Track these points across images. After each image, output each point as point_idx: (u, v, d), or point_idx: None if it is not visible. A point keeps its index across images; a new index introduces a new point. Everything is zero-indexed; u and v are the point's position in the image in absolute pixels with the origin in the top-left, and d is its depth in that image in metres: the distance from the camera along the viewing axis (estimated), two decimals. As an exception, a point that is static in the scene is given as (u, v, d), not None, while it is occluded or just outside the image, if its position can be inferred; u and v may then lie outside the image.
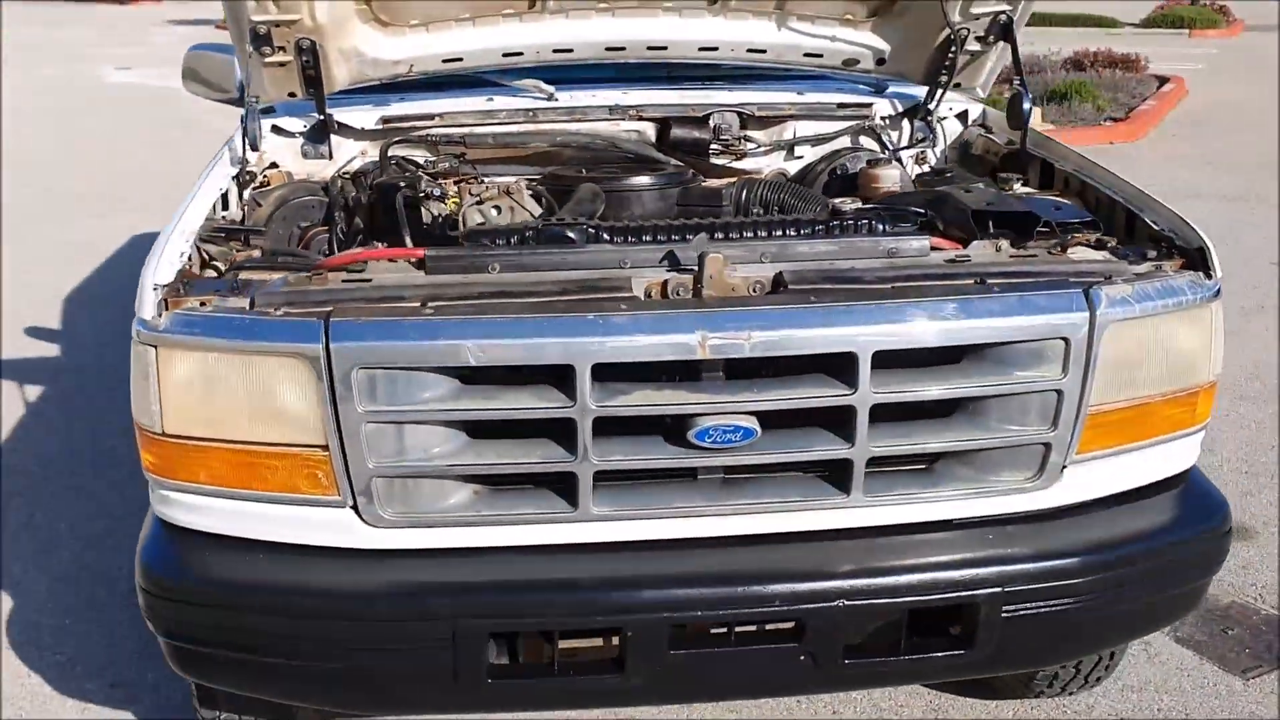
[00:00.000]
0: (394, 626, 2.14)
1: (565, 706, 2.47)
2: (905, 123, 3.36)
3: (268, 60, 2.92)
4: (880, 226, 2.46)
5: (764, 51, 3.21)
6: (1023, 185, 2.98)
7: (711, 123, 3.23)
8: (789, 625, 2.17)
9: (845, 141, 3.34)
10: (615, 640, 2.15)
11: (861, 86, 3.42)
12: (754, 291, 2.22)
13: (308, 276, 2.25)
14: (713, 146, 3.23)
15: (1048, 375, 2.20)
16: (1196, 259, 2.36)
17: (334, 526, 2.15)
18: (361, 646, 2.15)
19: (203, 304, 2.16)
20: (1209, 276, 2.34)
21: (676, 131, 3.23)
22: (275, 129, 3.16)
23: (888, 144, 3.31)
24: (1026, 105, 3.04)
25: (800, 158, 3.35)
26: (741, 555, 2.19)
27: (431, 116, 3.18)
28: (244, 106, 2.91)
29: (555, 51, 3.12)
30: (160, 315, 2.12)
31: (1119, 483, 2.35)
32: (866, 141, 3.36)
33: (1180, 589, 2.41)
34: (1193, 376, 2.35)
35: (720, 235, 2.38)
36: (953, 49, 3.11)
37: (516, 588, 2.15)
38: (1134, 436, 2.33)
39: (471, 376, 2.11)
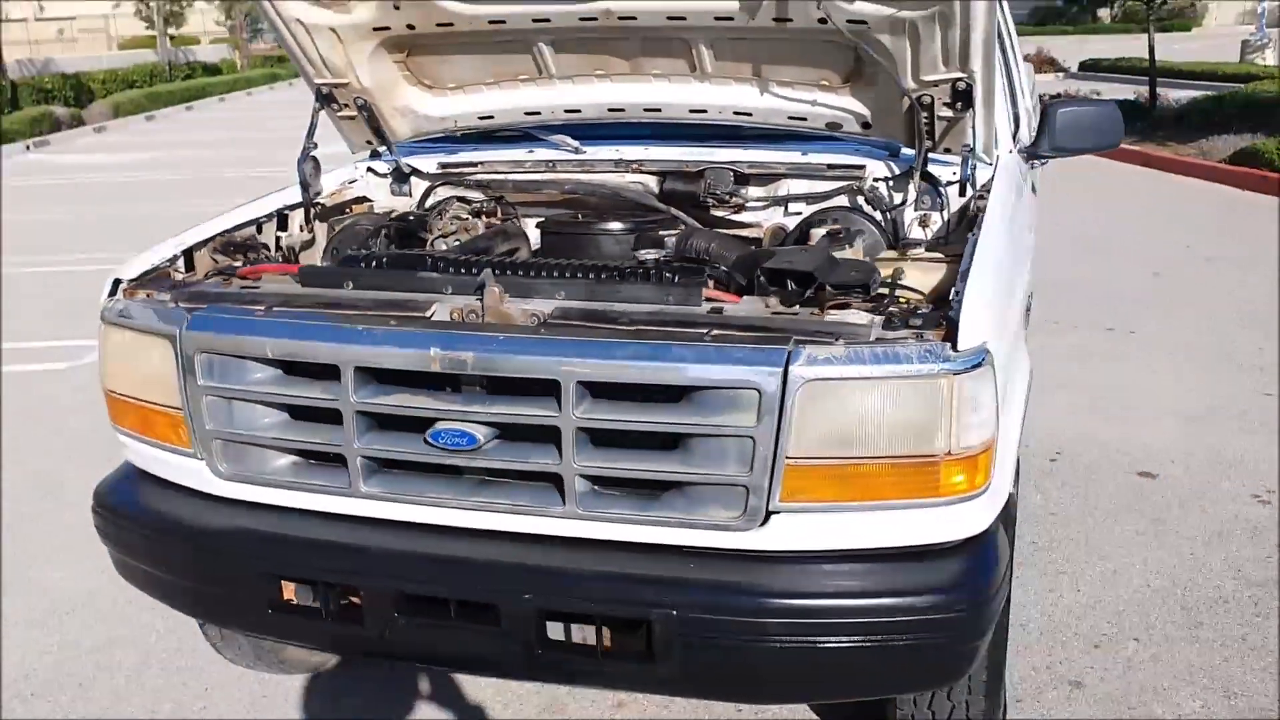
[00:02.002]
0: (215, 556, 2.74)
1: (325, 648, 2.92)
2: (911, 185, 3.43)
3: (340, 115, 3.66)
4: (669, 276, 2.68)
5: (750, 114, 3.44)
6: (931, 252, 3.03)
7: (706, 178, 3.51)
8: (486, 609, 2.50)
9: (844, 200, 3.47)
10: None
11: (876, 150, 3.52)
12: (529, 322, 2.57)
13: (226, 280, 2.92)
14: (707, 200, 3.51)
15: (742, 422, 2.35)
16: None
17: (194, 473, 2.78)
18: (198, 568, 2.77)
19: (147, 296, 2.89)
20: (955, 349, 2.35)
21: (668, 185, 3.55)
22: (369, 169, 3.90)
23: (883, 206, 3.39)
24: (947, 178, 3.10)
25: (798, 213, 3.52)
26: (465, 545, 2.55)
27: (475, 164, 3.76)
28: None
29: (566, 111, 3.58)
30: (109, 301, 2.89)
31: (840, 539, 2.42)
32: (870, 201, 3.46)
33: (906, 655, 2.41)
34: (924, 446, 2.36)
35: (530, 274, 2.73)
36: (925, 114, 3.17)
37: (295, 543, 2.66)
38: (851, 495, 2.39)
39: (290, 368, 2.66)
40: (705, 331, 2.44)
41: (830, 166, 3.46)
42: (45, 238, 11.55)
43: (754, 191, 3.57)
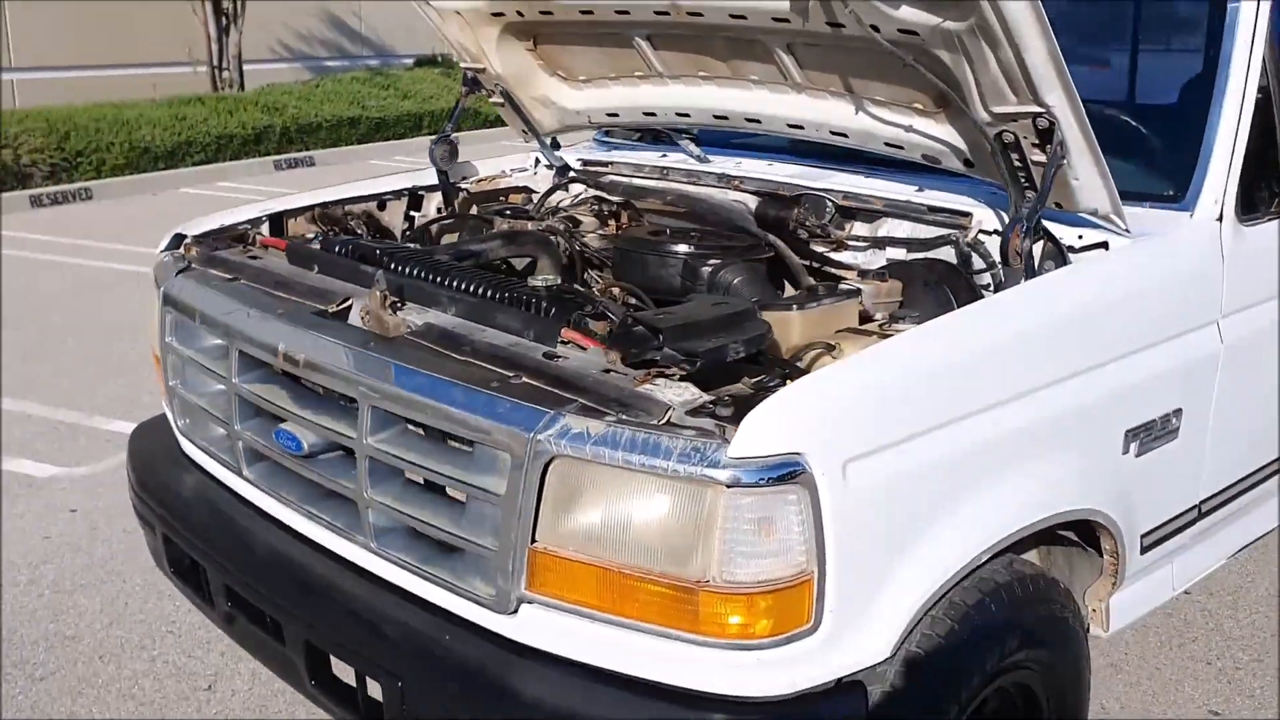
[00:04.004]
0: (139, 505, 2.88)
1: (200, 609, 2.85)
2: (1039, 245, 2.68)
3: (492, 103, 3.61)
4: (545, 307, 2.30)
5: (845, 135, 2.88)
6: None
7: (801, 206, 3.00)
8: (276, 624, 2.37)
9: (949, 253, 2.80)
10: None
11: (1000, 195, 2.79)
12: (396, 331, 2.38)
13: (245, 248, 3.01)
14: (799, 231, 3.01)
15: (495, 488, 2.01)
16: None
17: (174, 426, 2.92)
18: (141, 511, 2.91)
19: (189, 251, 3.06)
20: (725, 443, 1.82)
21: (760, 208, 3.08)
22: (536, 160, 3.82)
23: (974, 266, 2.70)
24: (1024, 243, 2.35)
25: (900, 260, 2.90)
26: (295, 553, 2.43)
27: (607, 164, 3.52)
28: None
29: (677, 115, 3.24)
30: (160, 255, 3.09)
31: (595, 654, 1.98)
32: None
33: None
34: (677, 567, 1.87)
35: (438, 281, 2.49)
36: (1012, 155, 2.47)
37: (195, 509, 2.70)
38: (608, 605, 1.95)
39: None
40: (512, 376, 2.11)
41: (931, 209, 2.81)
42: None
43: (860, 228, 3.00)
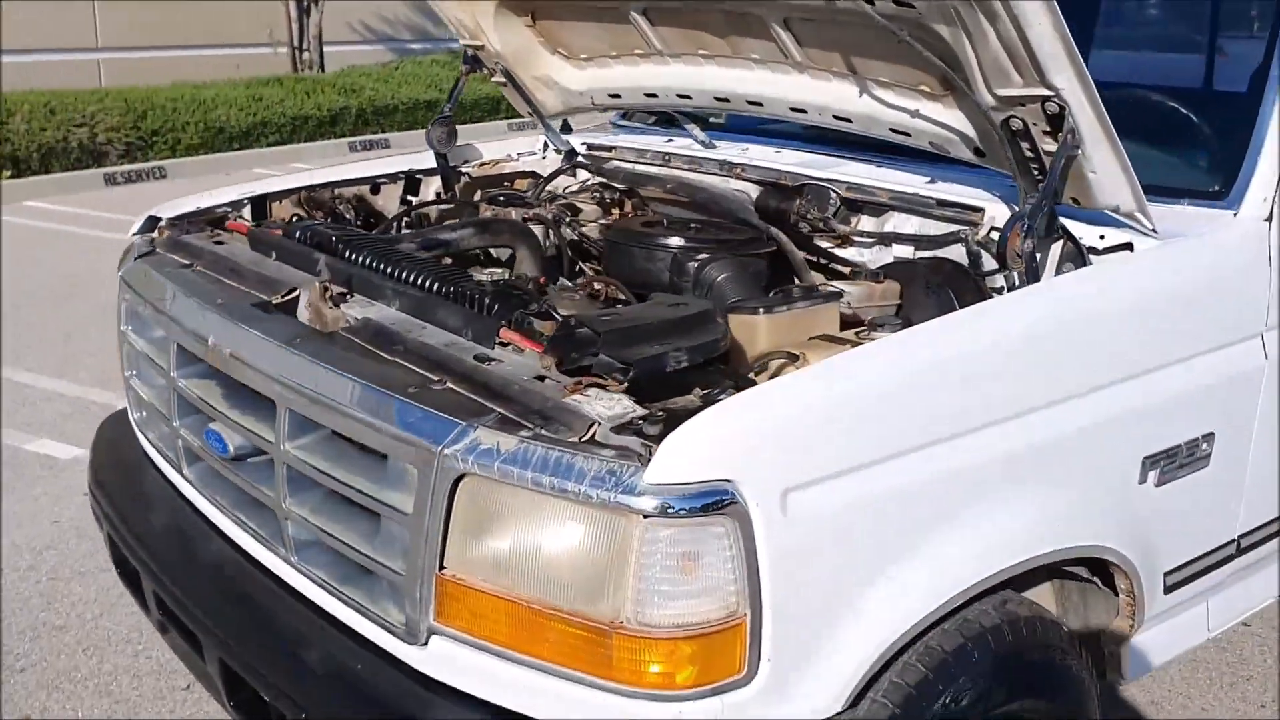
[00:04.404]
0: (91, 499, 2.74)
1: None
2: (1057, 245, 2.40)
3: (495, 83, 3.41)
4: (487, 304, 2.09)
5: (849, 120, 2.61)
6: None
7: (803, 197, 2.75)
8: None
9: (960, 252, 2.52)
10: None
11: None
12: (339, 326, 2.20)
13: (212, 233, 2.85)
14: (800, 224, 2.75)
15: (402, 506, 1.82)
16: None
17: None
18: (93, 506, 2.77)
19: (159, 236, 2.92)
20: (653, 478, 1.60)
21: (761, 199, 2.83)
22: (545, 145, 3.60)
23: (984, 267, 2.42)
24: (1025, 243, 2.08)
25: (909, 259, 2.63)
26: (227, 562, 2.27)
27: (611, 149, 3.30)
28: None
29: (678, 96, 3.00)
30: (133, 234, 2.95)
31: (510, 697, 1.77)
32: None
33: None
34: (587, 605, 1.65)
35: (388, 273, 2.30)
36: (1022, 144, 2.20)
37: (128, 508, 2.55)
38: (514, 643, 1.74)
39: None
40: (436, 380, 1.91)
41: (940, 203, 2.54)
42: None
43: (866, 223, 2.74)
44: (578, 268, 2.93)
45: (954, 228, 2.52)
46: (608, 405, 1.76)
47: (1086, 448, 2.05)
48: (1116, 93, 2.17)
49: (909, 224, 2.63)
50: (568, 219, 3.03)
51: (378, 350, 2.05)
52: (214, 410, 2.24)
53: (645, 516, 1.59)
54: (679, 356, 1.88)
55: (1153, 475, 2.18)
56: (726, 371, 2.01)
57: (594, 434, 1.70)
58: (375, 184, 3.33)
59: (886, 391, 1.80)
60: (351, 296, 2.29)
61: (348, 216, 3.19)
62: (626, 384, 1.81)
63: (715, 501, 1.60)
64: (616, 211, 3.20)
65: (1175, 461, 2.21)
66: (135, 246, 2.82)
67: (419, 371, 1.95)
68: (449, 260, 2.76)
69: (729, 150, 3.07)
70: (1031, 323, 2.01)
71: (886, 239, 2.66)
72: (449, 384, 1.89)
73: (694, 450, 1.62)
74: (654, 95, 3.10)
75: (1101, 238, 2.30)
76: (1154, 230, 2.25)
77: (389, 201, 3.36)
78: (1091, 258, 2.29)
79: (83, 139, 10.97)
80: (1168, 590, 2.34)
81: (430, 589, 1.79)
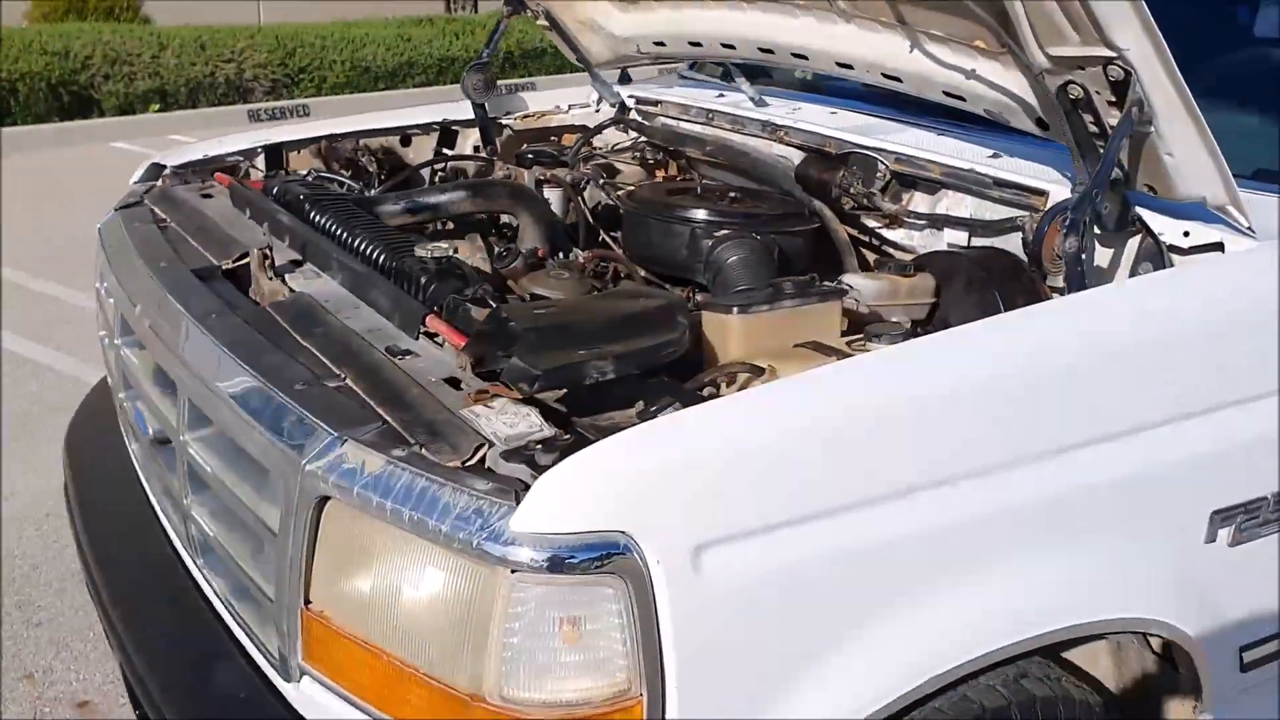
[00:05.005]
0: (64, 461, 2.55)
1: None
2: (1134, 241, 1.97)
3: (540, 25, 3.10)
4: (422, 284, 1.79)
5: (899, 80, 2.21)
6: None
7: (847, 167, 2.36)
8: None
9: (1018, 243, 2.11)
10: None
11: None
12: (277, 296, 1.96)
13: (199, 184, 2.63)
14: (842, 199, 2.37)
15: (271, 521, 1.55)
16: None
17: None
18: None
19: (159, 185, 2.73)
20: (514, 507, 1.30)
21: (801, 167, 2.45)
22: (600, 97, 3.28)
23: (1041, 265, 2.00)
24: (1068, 242, 1.67)
25: (958, 246, 2.23)
26: (129, 550, 2.07)
27: (657, 103, 2.96)
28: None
29: (723, 46, 2.63)
30: (134, 182, 2.76)
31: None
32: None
33: None
34: (445, 669, 1.36)
35: (346, 242, 2.03)
36: (1085, 116, 1.78)
37: (84, 476, 2.37)
38: (376, 698, 1.46)
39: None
40: (337, 376, 1.64)
41: (997, 183, 2.12)
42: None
43: (920, 201, 2.34)
44: (600, 239, 2.61)
45: (1012, 213, 2.10)
46: (510, 422, 1.45)
47: (1131, 498, 1.65)
48: (1213, 49, 1.72)
49: (963, 205, 2.23)
50: (601, 181, 2.71)
51: (295, 333, 1.79)
52: (139, 386, 2.02)
53: (513, 570, 1.29)
54: (602, 366, 1.55)
55: (1224, 534, 1.75)
56: (681, 385, 1.67)
57: (482, 457, 1.40)
58: (406, 135, 3.08)
59: (851, 425, 1.44)
60: (304, 265, 2.04)
61: (370, 170, 2.95)
62: (533, 396, 1.50)
63: (603, 555, 1.29)
64: (660, 174, 2.87)
65: (1256, 518, 1.78)
66: (130, 193, 2.63)
67: (326, 363, 1.68)
68: (449, 225, 2.49)
69: (778, 109, 2.69)
70: (1065, 340, 1.61)
71: (937, 222, 2.26)
72: (347, 381, 1.62)
73: (578, 492, 1.30)
74: (698, 44, 2.74)
75: (1186, 234, 1.86)
76: (1250, 229, 1.80)
77: (420, 155, 3.11)
78: (1174, 257, 1.87)
79: (229, 74, 11.10)
80: (1245, 668, 1.91)
81: (296, 623, 1.53)
